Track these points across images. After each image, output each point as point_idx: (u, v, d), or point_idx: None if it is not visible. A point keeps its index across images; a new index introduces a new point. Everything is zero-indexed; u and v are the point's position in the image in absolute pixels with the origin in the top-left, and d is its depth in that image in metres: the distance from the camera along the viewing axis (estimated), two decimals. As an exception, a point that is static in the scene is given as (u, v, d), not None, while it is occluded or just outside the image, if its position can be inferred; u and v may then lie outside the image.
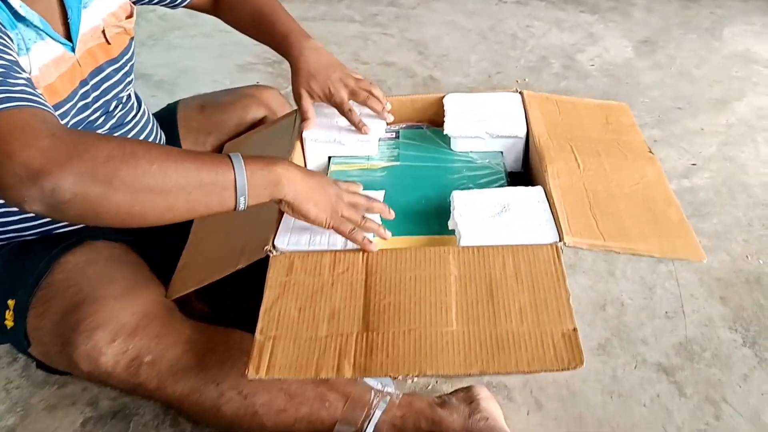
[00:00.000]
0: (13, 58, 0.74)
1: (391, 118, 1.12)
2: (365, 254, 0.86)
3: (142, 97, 1.16)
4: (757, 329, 1.10)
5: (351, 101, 1.08)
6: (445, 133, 1.09)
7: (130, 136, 1.07)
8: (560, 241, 0.84)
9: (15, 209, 0.93)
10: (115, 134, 1.03)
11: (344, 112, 1.07)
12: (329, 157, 1.12)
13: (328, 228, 0.84)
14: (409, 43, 2.42)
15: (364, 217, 0.86)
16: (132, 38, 1.06)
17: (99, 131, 1.00)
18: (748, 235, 1.31)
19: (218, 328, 0.94)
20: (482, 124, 1.09)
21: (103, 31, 0.97)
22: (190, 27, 2.53)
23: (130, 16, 1.03)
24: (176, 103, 1.29)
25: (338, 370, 0.75)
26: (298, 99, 1.07)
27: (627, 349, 1.07)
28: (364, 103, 1.08)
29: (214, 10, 1.17)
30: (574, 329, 0.75)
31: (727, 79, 2.01)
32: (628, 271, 1.22)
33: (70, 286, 0.90)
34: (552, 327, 0.76)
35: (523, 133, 1.07)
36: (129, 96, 1.09)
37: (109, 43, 0.98)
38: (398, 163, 1.10)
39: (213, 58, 2.33)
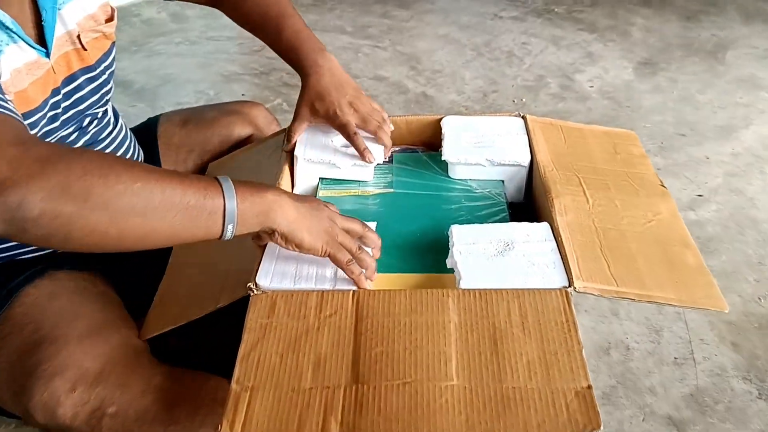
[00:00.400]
0: None
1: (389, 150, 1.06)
2: (355, 296, 0.79)
3: (121, 106, 1.10)
4: (773, 380, 1.05)
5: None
6: (443, 158, 1.03)
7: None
8: (570, 286, 0.78)
9: None
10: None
11: (348, 135, 0.99)
12: (320, 179, 1.05)
13: (323, 256, 0.78)
14: (402, 57, 2.38)
15: (360, 247, 0.80)
16: (113, 44, 0.99)
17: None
18: (760, 275, 1.27)
19: (192, 373, 0.87)
20: (483, 151, 1.03)
21: (78, 36, 0.90)
22: (175, 33, 2.47)
23: (110, 20, 0.96)
24: (157, 117, 1.22)
25: (323, 428, 0.68)
26: (295, 116, 1.01)
27: (634, 400, 1.01)
28: (373, 134, 1.02)
29: (216, 3, 1.08)
30: (589, 386, 0.69)
31: (731, 106, 1.97)
32: (633, 311, 1.17)
33: (29, 322, 0.82)
34: (564, 384, 0.69)
35: (527, 161, 1.02)
36: (105, 111, 1.02)
37: (85, 49, 0.91)
38: (392, 190, 1.04)
39: (197, 67, 2.26)
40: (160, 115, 1.23)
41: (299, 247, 0.77)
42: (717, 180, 1.59)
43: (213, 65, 2.26)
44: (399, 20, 2.70)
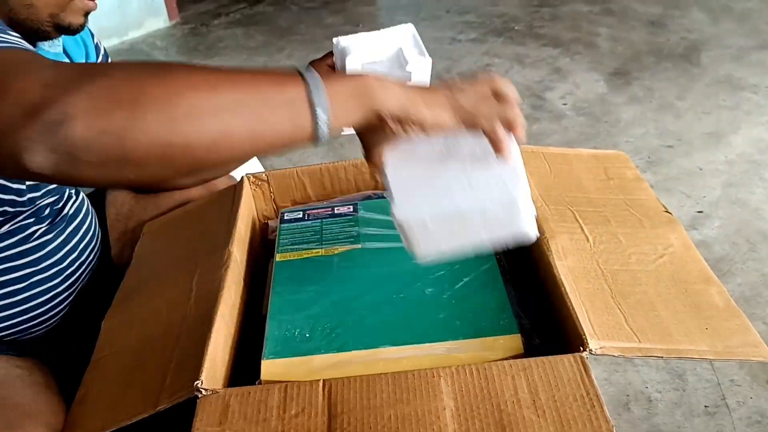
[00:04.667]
0: None
1: None
2: (326, 387, 0.66)
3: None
4: (823, 423, 0.94)
5: None
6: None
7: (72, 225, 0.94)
8: (584, 349, 0.66)
9: None
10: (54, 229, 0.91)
11: None
12: (277, 239, 0.93)
13: (457, 127, 0.63)
14: (360, 91, 2.28)
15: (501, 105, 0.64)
16: None
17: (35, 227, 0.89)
18: (782, 296, 1.16)
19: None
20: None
21: None
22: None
23: None
24: None
25: None
26: None
27: (666, 462, 0.89)
28: None
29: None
30: (623, 479, 0.57)
31: (715, 110, 1.90)
32: (648, 353, 1.05)
33: None
34: (593, 478, 0.57)
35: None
36: None
37: None
38: (359, 245, 0.92)
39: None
40: None
41: (422, 125, 0.62)
42: (715, 192, 1.49)
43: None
44: (353, 53, 2.61)
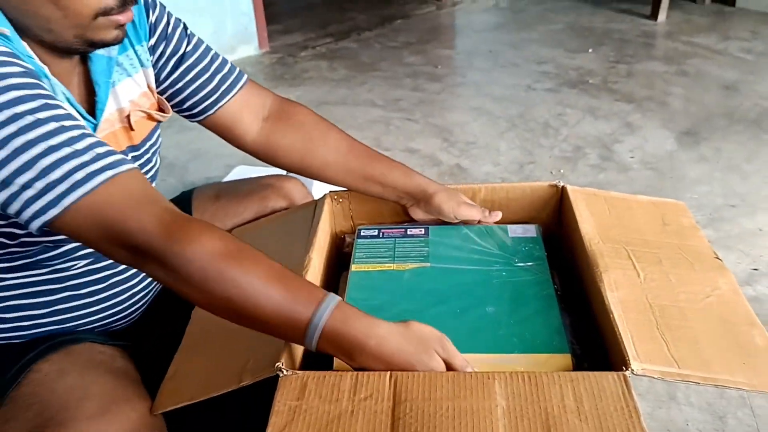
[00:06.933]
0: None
1: None
2: (393, 378, 0.75)
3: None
4: None
5: None
6: None
7: None
8: (627, 368, 0.73)
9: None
10: None
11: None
12: (354, 252, 1.03)
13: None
14: (434, 129, 2.39)
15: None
16: (158, 124, 1.00)
17: None
18: (830, 356, 1.19)
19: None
20: None
21: (128, 116, 0.91)
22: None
23: (159, 109, 0.98)
24: (191, 191, 1.21)
25: None
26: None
27: (702, 500, 0.94)
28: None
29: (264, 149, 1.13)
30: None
31: (782, 176, 1.93)
32: (693, 395, 1.10)
33: (35, 402, 0.78)
34: (627, 479, 0.64)
35: None
36: None
37: (132, 129, 0.92)
38: (428, 264, 1.01)
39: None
40: (194, 188, 1.22)
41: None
42: (773, 253, 1.53)
43: (243, 139, 2.28)
44: (430, 93, 2.73)
